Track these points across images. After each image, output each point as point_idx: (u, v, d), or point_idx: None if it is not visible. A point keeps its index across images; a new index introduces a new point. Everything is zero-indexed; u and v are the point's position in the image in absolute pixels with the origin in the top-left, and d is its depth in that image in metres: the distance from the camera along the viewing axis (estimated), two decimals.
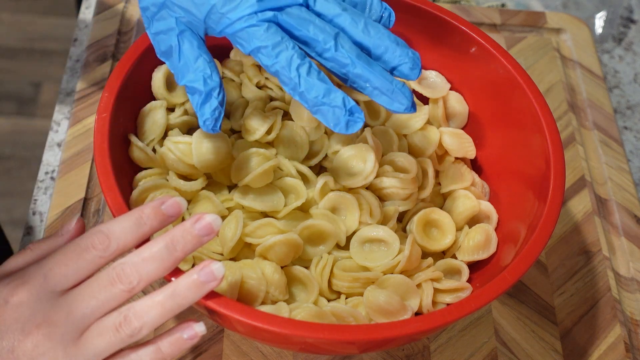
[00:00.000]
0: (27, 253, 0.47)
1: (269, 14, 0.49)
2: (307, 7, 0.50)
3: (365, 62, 0.49)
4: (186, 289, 0.43)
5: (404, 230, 0.61)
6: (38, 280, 0.43)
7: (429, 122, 0.64)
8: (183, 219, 0.56)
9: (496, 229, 0.60)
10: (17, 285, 0.43)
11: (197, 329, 0.45)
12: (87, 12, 0.84)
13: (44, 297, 0.42)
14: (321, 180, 0.58)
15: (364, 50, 0.50)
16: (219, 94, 0.50)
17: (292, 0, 0.49)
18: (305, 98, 0.48)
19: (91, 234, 0.43)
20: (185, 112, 0.61)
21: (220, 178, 0.60)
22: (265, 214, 0.58)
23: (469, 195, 0.61)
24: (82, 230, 0.48)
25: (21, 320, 0.42)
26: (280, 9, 0.49)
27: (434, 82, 0.66)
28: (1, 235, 0.89)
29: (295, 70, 0.47)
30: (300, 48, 0.49)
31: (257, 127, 0.59)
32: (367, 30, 0.50)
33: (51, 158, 0.72)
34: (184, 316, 0.61)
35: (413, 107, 0.50)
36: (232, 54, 0.65)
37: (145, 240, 0.45)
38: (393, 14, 0.53)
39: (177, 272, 0.46)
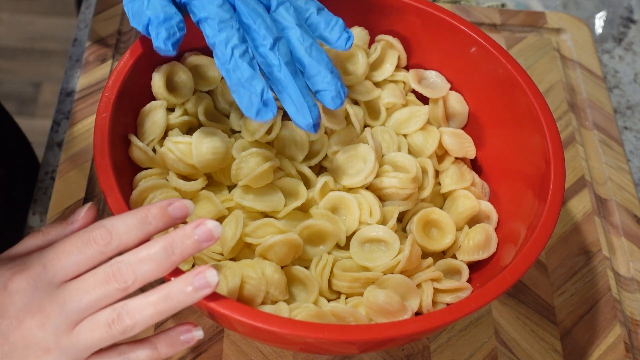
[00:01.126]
0: (39, 236, 0.47)
1: None
2: (268, 9, 0.54)
3: (292, 72, 0.52)
4: (179, 293, 0.44)
5: (404, 230, 0.61)
6: (37, 269, 0.43)
7: (429, 122, 0.64)
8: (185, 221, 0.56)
9: (496, 229, 0.60)
10: (16, 271, 0.43)
11: (195, 334, 0.46)
12: (87, 12, 0.84)
13: (41, 287, 0.43)
14: (321, 180, 0.58)
15: (299, 66, 0.54)
16: (179, 22, 0.51)
17: None
18: (230, 76, 0.50)
19: (94, 227, 0.44)
20: (185, 112, 0.61)
21: (220, 178, 0.60)
22: (265, 214, 0.58)
23: (469, 195, 0.61)
24: (93, 219, 0.48)
25: (17, 307, 0.43)
26: None
27: (434, 82, 0.66)
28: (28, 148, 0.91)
29: (231, 48, 0.50)
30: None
31: (257, 127, 0.59)
32: (310, 50, 0.53)
33: (51, 158, 0.72)
34: (185, 315, 0.61)
35: (315, 128, 0.53)
36: None
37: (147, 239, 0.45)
38: (352, 39, 0.56)
39: (176, 271, 0.46)
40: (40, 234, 0.48)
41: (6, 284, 0.43)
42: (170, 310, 0.43)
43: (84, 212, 0.48)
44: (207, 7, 0.51)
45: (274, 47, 0.52)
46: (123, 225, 0.44)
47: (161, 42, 0.50)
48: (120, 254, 0.44)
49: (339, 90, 0.54)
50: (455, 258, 0.60)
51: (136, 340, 0.46)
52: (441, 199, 0.63)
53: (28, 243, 0.47)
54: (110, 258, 0.44)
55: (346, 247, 0.58)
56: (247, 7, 0.52)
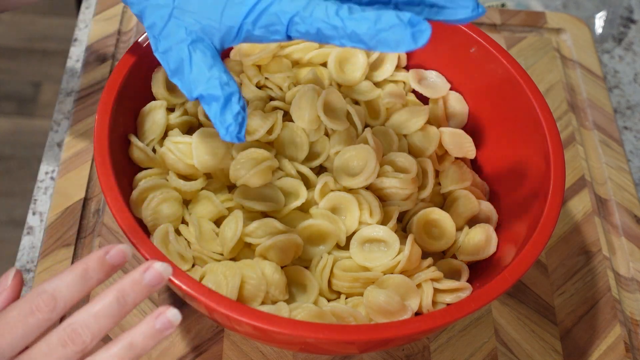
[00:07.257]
0: None
1: None
2: None
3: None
4: (143, 338, 0.41)
5: (404, 230, 0.61)
6: None
7: (429, 122, 0.64)
8: (182, 224, 0.56)
9: (496, 229, 0.60)
10: None
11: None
12: (87, 12, 0.84)
13: None
14: (321, 181, 0.58)
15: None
16: (239, 100, 0.46)
17: None
18: (358, 37, 0.43)
19: (36, 295, 0.41)
20: (185, 112, 0.61)
21: (220, 178, 0.60)
22: (265, 214, 0.58)
23: (469, 195, 0.61)
24: (20, 285, 0.45)
25: None
26: None
27: (434, 82, 0.66)
28: None
29: (335, 16, 0.43)
30: None
31: (257, 127, 0.59)
32: None
33: (51, 158, 0.72)
34: (185, 316, 0.61)
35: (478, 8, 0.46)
36: (232, 54, 0.65)
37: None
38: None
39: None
40: None
41: None
42: (137, 357, 0.41)
43: (11, 280, 0.44)
44: (286, 6, 0.45)
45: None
46: (65, 286, 0.41)
47: (234, 136, 0.45)
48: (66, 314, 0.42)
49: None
50: (455, 258, 0.60)
51: (111, 342, 0.43)
52: (441, 199, 0.63)
53: None
54: (57, 321, 0.42)
55: (346, 247, 0.58)
56: None
